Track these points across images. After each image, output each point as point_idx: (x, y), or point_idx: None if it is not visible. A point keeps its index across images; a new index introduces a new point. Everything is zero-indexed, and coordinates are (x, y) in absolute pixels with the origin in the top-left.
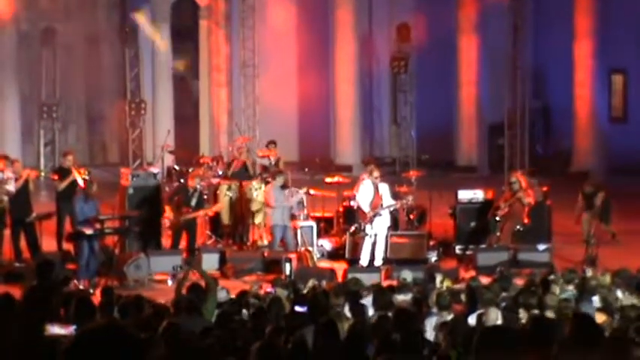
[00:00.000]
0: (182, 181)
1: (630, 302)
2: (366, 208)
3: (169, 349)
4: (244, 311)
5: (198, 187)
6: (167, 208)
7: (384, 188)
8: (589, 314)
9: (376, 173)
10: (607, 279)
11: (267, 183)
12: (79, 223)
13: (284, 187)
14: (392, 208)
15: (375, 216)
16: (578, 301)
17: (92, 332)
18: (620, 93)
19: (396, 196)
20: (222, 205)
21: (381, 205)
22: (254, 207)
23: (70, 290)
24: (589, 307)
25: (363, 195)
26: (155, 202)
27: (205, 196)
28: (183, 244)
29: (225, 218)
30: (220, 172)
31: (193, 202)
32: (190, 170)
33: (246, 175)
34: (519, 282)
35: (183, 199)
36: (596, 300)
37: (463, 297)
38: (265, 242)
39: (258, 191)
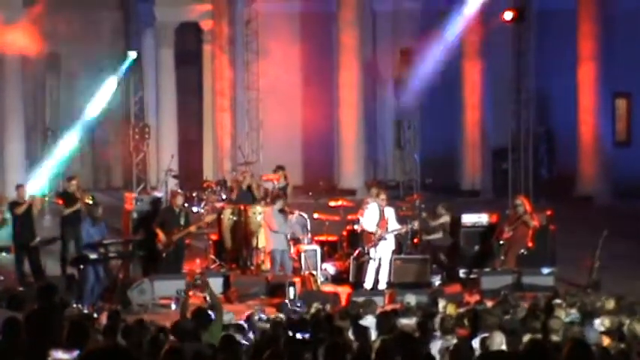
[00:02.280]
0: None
1: (633, 326)
2: (372, 230)
3: None
4: (251, 335)
5: (183, 206)
6: (158, 232)
7: (390, 212)
8: (584, 340)
9: (383, 196)
10: (611, 303)
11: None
12: (84, 247)
13: (282, 211)
14: (397, 233)
15: (380, 240)
16: (582, 325)
17: (96, 355)
18: (624, 117)
19: (401, 220)
20: (215, 216)
21: (387, 228)
22: (257, 231)
23: (68, 314)
24: (592, 331)
25: (369, 218)
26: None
27: (203, 210)
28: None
29: (229, 242)
30: (224, 197)
31: (182, 221)
32: (194, 194)
33: (251, 199)
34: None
35: (170, 220)
36: (599, 323)
37: (466, 321)
38: (269, 266)
39: (261, 215)
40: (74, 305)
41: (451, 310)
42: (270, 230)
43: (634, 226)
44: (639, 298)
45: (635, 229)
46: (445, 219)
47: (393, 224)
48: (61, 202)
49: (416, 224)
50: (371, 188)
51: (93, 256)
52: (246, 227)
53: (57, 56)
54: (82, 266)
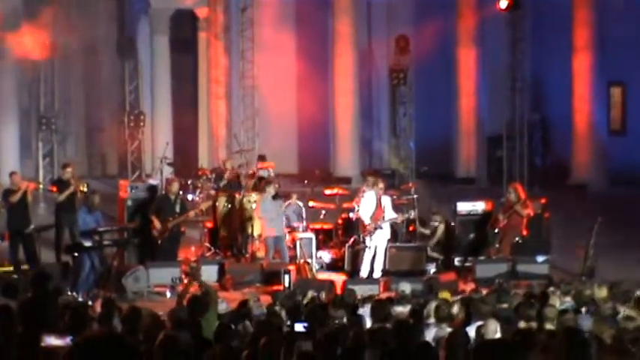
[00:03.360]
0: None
1: (627, 314)
2: (367, 220)
3: None
4: (247, 322)
5: (179, 193)
6: (153, 219)
7: (387, 201)
8: (579, 327)
9: (381, 185)
10: (604, 291)
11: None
12: (80, 234)
13: (276, 197)
14: (393, 222)
15: (376, 229)
16: (576, 313)
17: (90, 342)
18: (619, 106)
19: (397, 209)
20: (211, 203)
21: (383, 217)
22: (252, 218)
23: (67, 301)
24: (586, 319)
25: (366, 206)
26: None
27: (198, 198)
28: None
29: (224, 230)
30: (219, 184)
31: (177, 209)
32: (189, 182)
33: (238, 187)
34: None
35: (166, 208)
36: (593, 311)
37: (455, 308)
38: (264, 254)
39: (255, 203)
40: (69, 293)
41: (446, 296)
42: (257, 217)
43: (628, 214)
44: (633, 286)
45: (629, 217)
46: (440, 228)
47: (390, 213)
48: (55, 189)
49: (412, 213)
50: (368, 177)
51: (88, 243)
52: (241, 215)
53: (52, 43)
54: (76, 254)
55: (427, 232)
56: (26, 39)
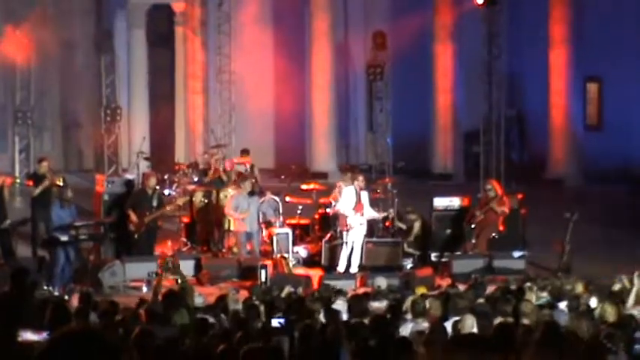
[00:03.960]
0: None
1: (603, 309)
2: (349, 215)
3: (141, 355)
4: (223, 316)
5: (156, 188)
6: (130, 213)
7: (365, 196)
8: (556, 322)
9: (361, 180)
10: (580, 286)
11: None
12: (54, 229)
13: (252, 193)
14: (373, 219)
15: (356, 225)
16: (552, 308)
17: (66, 337)
18: (595, 101)
19: (374, 204)
20: (187, 198)
21: (362, 213)
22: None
23: (46, 296)
24: (562, 314)
25: (346, 202)
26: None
27: (175, 192)
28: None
29: (201, 225)
30: (196, 179)
31: (154, 203)
32: (166, 177)
33: (221, 184)
34: (494, 289)
35: (143, 203)
36: (569, 307)
37: (438, 304)
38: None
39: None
40: (45, 287)
41: (424, 291)
42: (226, 212)
43: (604, 210)
44: (609, 281)
45: (605, 213)
46: (416, 225)
47: (368, 209)
48: (31, 183)
49: (392, 212)
50: (346, 172)
51: (64, 238)
52: (218, 210)
53: (28, 37)
54: (51, 248)
55: (404, 226)
56: (2, 35)
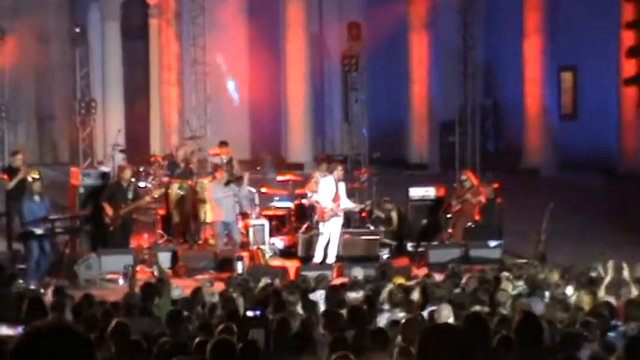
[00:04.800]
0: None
1: (579, 298)
2: (328, 205)
3: (118, 349)
4: (199, 309)
5: (131, 180)
6: (105, 206)
7: (342, 188)
8: (532, 311)
9: (340, 172)
10: (555, 275)
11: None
12: (29, 222)
13: (228, 183)
14: (350, 211)
15: (333, 216)
16: (528, 297)
17: (39, 332)
18: (570, 90)
19: (350, 195)
20: (163, 190)
21: (339, 204)
22: (204, 205)
23: (22, 290)
24: (538, 303)
25: (324, 192)
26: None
27: (150, 184)
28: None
29: (177, 217)
30: (170, 173)
31: (129, 196)
32: (142, 169)
33: (191, 175)
34: (470, 278)
35: (118, 195)
36: (545, 295)
37: (415, 294)
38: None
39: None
40: (20, 281)
41: (401, 281)
42: (208, 201)
43: (579, 199)
44: (585, 269)
45: (581, 201)
46: (393, 215)
47: (345, 200)
48: (6, 177)
49: (368, 204)
50: (322, 163)
51: (39, 231)
52: (194, 202)
53: (1, 30)
54: (26, 242)
55: (382, 214)
56: None
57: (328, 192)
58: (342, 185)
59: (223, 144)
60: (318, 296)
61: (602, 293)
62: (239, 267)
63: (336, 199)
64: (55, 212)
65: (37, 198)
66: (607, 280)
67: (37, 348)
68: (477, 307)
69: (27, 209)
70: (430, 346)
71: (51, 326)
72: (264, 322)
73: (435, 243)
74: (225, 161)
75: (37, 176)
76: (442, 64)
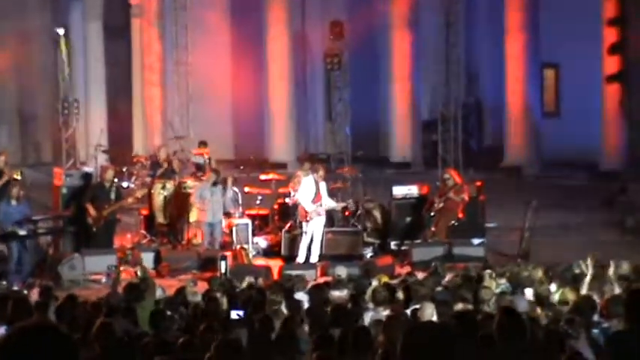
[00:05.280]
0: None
1: (563, 295)
2: (308, 206)
3: (102, 349)
4: (182, 309)
5: (114, 180)
6: (88, 207)
7: (323, 187)
8: (514, 309)
9: (321, 171)
10: (539, 272)
11: (200, 181)
12: (11, 224)
13: (215, 184)
14: (332, 209)
15: (315, 216)
16: (512, 295)
17: (23, 332)
18: (553, 88)
19: (332, 194)
20: (146, 190)
21: (320, 204)
22: (188, 205)
23: (5, 291)
24: (522, 300)
25: (305, 192)
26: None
27: (133, 185)
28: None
29: (160, 217)
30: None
31: (112, 196)
32: (125, 170)
33: (173, 174)
34: (454, 276)
35: (101, 196)
36: (529, 293)
37: (399, 293)
38: (200, 240)
39: (192, 189)
40: (3, 283)
41: (385, 279)
42: (192, 202)
43: (562, 196)
44: (568, 267)
45: (563, 199)
46: (375, 213)
47: (326, 199)
48: None
49: (351, 202)
50: (305, 162)
51: (22, 232)
52: (177, 202)
53: None
54: (6, 243)
55: (365, 212)
56: None
57: (308, 191)
58: (323, 185)
59: (202, 144)
60: (301, 295)
61: (584, 290)
62: (222, 267)
63: (317, 199)
64: (38, 213)
65: (13, 202)
66: (589, 277)
67: (20, 347)
68: (460, 305)
69: (3, 213)
70: (413, 344)
71: (34, 326)
72: (247, 322)
73: (419, 241)
74: (206, 161)
75: (18, 177)
76: (425, 63)
